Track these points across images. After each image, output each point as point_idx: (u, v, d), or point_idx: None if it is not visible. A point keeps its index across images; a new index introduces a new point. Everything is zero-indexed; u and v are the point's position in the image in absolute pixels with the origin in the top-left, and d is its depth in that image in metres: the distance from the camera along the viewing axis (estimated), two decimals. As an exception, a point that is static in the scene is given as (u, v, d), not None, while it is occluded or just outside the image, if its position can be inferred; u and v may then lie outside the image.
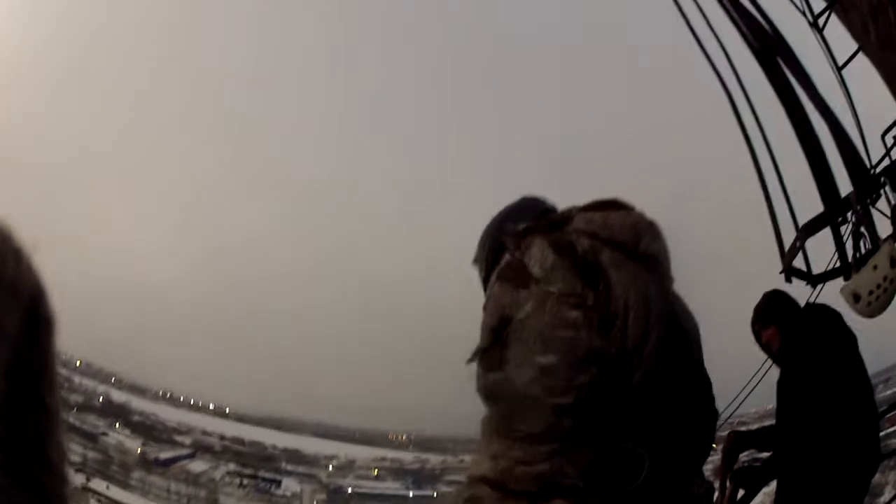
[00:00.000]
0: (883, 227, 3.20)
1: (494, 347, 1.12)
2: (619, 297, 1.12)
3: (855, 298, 3.08)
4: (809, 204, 3.98)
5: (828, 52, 4.45)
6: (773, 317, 3.25)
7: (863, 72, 3.92)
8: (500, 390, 1.10)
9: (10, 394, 0.49)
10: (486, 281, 1.37)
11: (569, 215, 1.26)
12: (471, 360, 1.16)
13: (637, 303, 1.12)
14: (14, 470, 0.48)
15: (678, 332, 1.20)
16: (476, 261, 1.44)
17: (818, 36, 4.47)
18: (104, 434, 70.87)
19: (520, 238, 1.22)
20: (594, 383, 1.06)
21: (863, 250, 3.30)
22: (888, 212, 3.12)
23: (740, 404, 5.45)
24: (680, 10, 4.75)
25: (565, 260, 1.14)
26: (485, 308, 1.21)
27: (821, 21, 4.41)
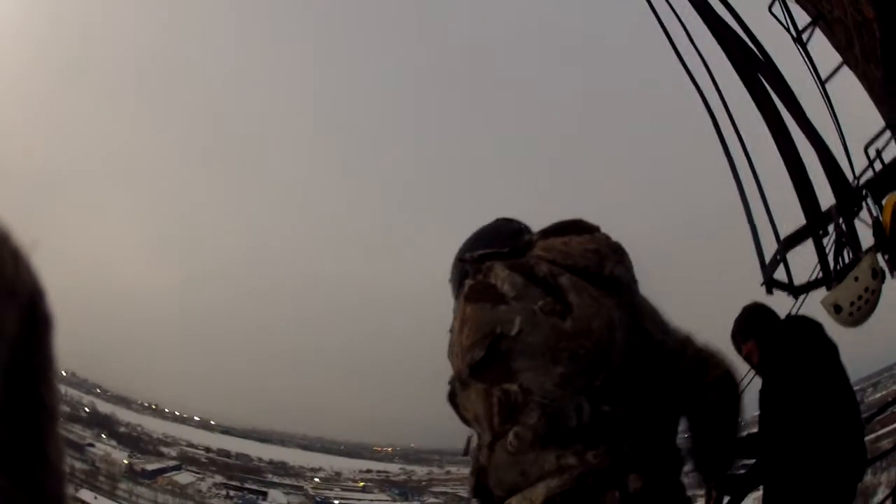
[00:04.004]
0: (865, 239, 3.20)
1: (497, 362, 1.10)
2: (581, 321, 1.13)
3: (836, 309, 3.09)
4: (792, 217, 4.00)
5: (811, 67, 4.49)
6: (751, 330, 3.24)
7: (847, 83, 3.96)
8: (523, 401, 1.08)
9: (10, 394, 0.49)
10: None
11: (531, 241, 1.30)
12: (471, 374, 1.13)
13: (600, 328, 1.14)
14: (14, 470, 0.48)
15: (649, 347, 1.20)
16: (451, 280, 1.47)
17: (801, 51, 4.52)
18: (90, 445, 70.12)
19: (478, 263, 1.25)
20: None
21: (846, 261, 3.30)
22: (870, 223, 3.14)
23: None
24: (660, 23, 4.76)
25: (528, 282, 1.17)
26: (457, 329, 1.19)
27: (805, 35, 4.45)
